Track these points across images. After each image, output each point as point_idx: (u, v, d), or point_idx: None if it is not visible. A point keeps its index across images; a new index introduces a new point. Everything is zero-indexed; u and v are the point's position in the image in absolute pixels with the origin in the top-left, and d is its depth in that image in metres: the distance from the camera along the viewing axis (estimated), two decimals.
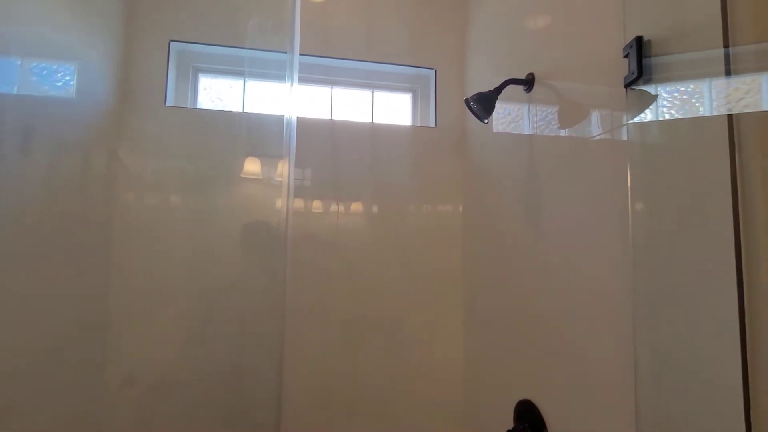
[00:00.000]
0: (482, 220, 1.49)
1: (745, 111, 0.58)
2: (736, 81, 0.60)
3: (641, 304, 0.72)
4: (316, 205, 1.53)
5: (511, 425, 1.13)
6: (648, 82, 0.72)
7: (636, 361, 0.73)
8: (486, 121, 1.14)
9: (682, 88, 0.67)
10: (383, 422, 1.49)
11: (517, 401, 1.16)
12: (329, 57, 1.59)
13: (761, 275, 0.55)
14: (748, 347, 0.56)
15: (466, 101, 1.12)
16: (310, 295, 1.47)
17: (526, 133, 1.18)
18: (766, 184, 0.55)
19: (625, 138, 0.80)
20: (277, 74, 1.49)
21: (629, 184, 0.76)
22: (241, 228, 1.45)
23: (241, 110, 1.57)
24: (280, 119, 1.41)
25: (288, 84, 1.40)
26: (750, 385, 0.55)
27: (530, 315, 1.15)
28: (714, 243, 0.60)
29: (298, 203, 1.51)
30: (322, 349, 1.47)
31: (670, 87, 0.69)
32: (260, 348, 1.38)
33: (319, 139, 1.54)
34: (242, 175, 1.48)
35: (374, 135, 1.60)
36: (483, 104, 1.09)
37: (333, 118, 1.61)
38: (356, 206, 1.56)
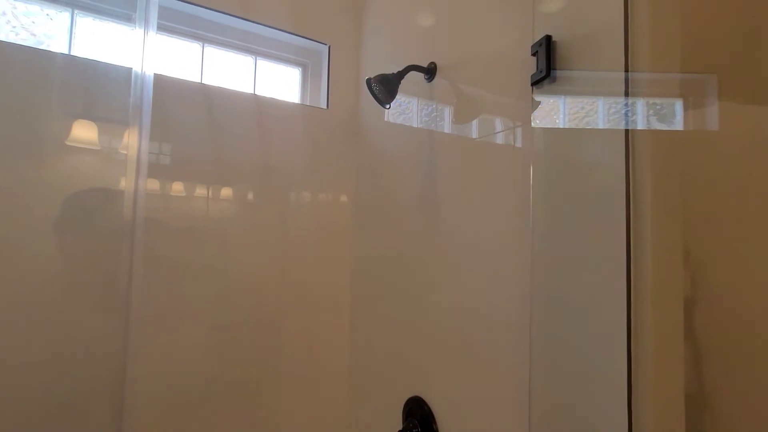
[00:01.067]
0: (374, 213, 1.42)
1: (638, 128, 0.61)
2: (631, 100, 0.63)
3: (537, 303, 0.74)
4: (178, 187, 1.24)
5: (400, 425, 1.10)
6: (553, 82, 0.73)
7: (531, 359, 0.74)
8: (388, 106, 1.06)
9: (583, 98, 0.68)
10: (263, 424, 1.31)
11: (406, 399, 1.13)
12: (196, 4, 1.29)
13: (647, 279, 0.59)
14: (632, 348, 0.59)
15: (368, 82, 1.02)
16: (167, 297, 1.19)
17: (424, 125, 1.14)
18: (655, 195, 0.59)
19: (527, 138, 0.80)
20: (125, 13, 1.14)
21: (531, 184, 0.76)
22: (63, 211, 1.08)
23: (66, 52, 1.16)
24: (126, 73, 1.08)
25: (140, 29, 1.08)
26: (632, 383, 0.59)
27: (421, 312, 1.12)
28: (607, 248, 0.62)
29: (153, 184, 1.19)
30: (182, 362, 1.21)
31: (575, 91, 0.70)
32: (92, 373, 1.05)
33: (185, 107, 1.24)
34: (68, 143, 1.10)
35: (256, 109, 1.37)
36: (386, 87, 1.00)
37: (204, 82, 1.32)
38: (228, 191, 1.32)
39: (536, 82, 0.74)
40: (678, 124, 0.64)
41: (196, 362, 1.24)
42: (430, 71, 1.09)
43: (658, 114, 0.63)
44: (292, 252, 1.40)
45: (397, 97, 1.09)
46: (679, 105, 0.64)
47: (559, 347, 0.70)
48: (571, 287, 0.67)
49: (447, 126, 1.06)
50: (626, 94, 0.62)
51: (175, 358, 1.20)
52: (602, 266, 0.63)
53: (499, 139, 0.90)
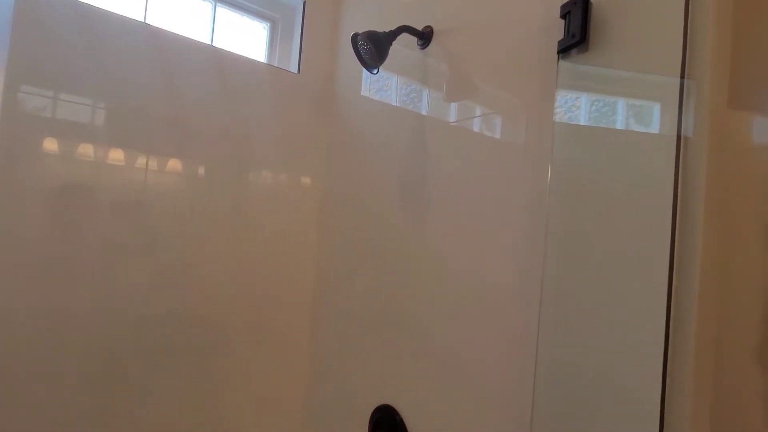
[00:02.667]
0: (345, 200, 1.26)
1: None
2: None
3: (547, 310, 0.63)
4: (116, 155, 1.01)
5: None
6: (586, 51, 0.61)
7: (536, 369, 0.63)
8: (375, 71, 0.90)
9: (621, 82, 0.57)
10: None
11: (374, 408, 1.01)
12: None
13: (691, 293, 0.49)
14: (668, 364, 0.50)
15: (354, 38, 0.85)
16: (94, 283, 0.97)
17: (411, 101, 1.00)
18: (708, 206, 0.49)
19: (545, 126, 0.68)
20: None
21: (548, 182, 0.65)
22: None
23: None
24: None
25: None
26: (666, 400, 0.49)
27: (396, 313, 0.99)
28: (643, 256, 0.52)
29: (86, 149, 0.96)
30: (103, 367, 1.00)
31: (614, 66, 0.59)
32: None
33: (126, 50, 1.00)
34: None
35: (215, 65, 1.15)
36: (375, 46, 0.84)
37: (148, 21, 1.08)
38: (175, 163, 1.10)
39: (564, 50, 0.62)
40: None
41: (125, 365, 1.03)
42: (425, 36, 0.94)
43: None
44: (248, 238, 1.21)
45: (385, 63, 0.94)
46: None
47: (570, 360, 0.59)
48: (595, 295, 0.57)
49: (440, 104, 0.92)
50: (681, 90, 0.51)
51: (97, 358, 0.99)
52: (635, 277, 0.53)
53: (505, 125, 0.77)
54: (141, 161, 1.04)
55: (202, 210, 1.14)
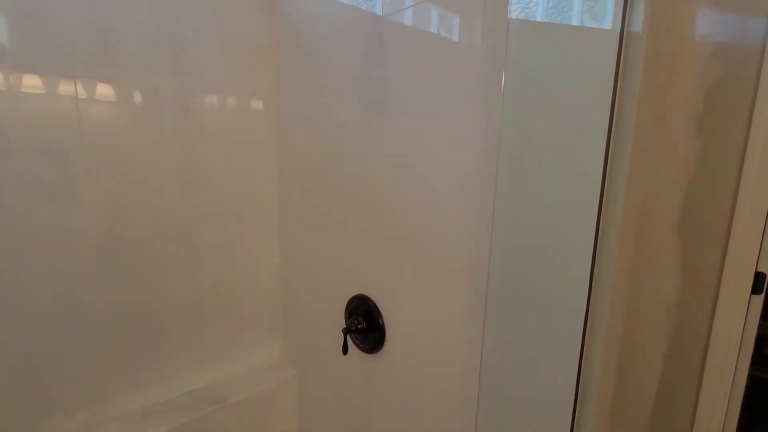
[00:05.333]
0: (301, 102, 1.22)
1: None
2: None
3: (501, 201, 0.72)
4: (33, 82, 0.87)
5: (343, 325, 1.11)
6: None
7: (491, 248, 0.74)
8: None
9: None
10: (180, 355, 1.23)
11: (348, 298, 1.13)
12: None
13: (621, 172, 0.58)
14: (600, 226, 0.60)
15: None
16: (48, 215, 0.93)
17: None
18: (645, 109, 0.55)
19: (504, 19, 0.68)
20: None
21: (503, 83, 0.67)
22: None
23: None
24: None
25: None
26: (596, 259, 0.61)
27: (362, 212, 1.06)
28: (583, 144, 0.59)
29: (31, 80, 0.83)
30: (79, 282, 1.01)
31: None
32: None
33: None
34: None
35: None
36: None
37: None
38: (105, 89, 0.99)
39: None
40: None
41: (98, 282, 1.04)
42: None
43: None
44: (200, 151, 1.17)
45: None
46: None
47: (522, 243, 0.70)
48: (541, 187, 0.65)
49: (396, 2, 0.86)
50: None
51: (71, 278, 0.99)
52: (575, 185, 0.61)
53: (463, 24, 0.76)
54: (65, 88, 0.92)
55: (149, 133, 1.06)
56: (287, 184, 1.34)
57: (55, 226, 0.96)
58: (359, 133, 1.02)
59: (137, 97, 1.04)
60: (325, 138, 1.15)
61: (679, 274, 0.72)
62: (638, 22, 0.53)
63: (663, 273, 0.71)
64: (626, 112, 0.55)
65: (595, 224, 0.58)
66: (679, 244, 0.71)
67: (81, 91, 0.95)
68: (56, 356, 1.01)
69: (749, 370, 0.76)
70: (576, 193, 0.59)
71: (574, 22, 0.58)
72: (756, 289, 0.71)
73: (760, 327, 0.75)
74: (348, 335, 1.08)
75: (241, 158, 1.26)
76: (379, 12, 0.91)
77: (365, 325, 1.06)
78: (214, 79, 1.16)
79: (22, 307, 0.94)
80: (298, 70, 1.20)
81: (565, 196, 0.61)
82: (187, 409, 1.18)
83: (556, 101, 0.61)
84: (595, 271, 0.59)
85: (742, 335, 0.72)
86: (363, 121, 1.01)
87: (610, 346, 0.60)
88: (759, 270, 0.70)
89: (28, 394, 0.99)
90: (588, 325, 0.58)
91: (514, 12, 0.65)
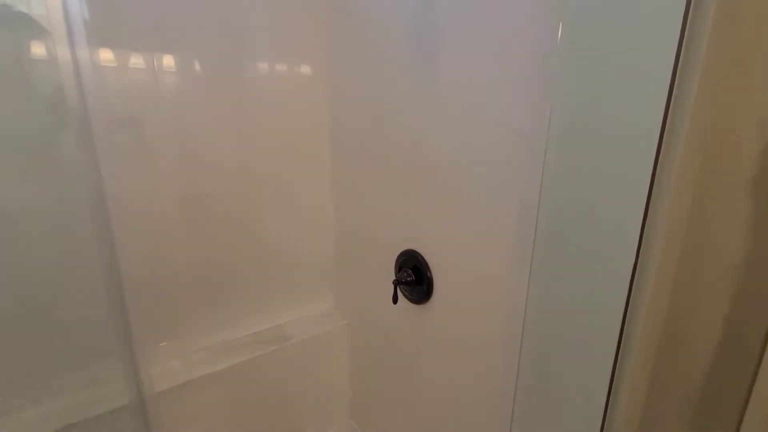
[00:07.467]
0: (354, 60, 1.24)
1: None
2: None
3: (552, 158, 0.70)
4: (134, 59, 1.02)
5: (393, 278, 1.18)
6: None
7: (540, 203, 0.73)
8: None
9: None
10: (248, 300, 1.39)
11: (398, 253, 1.19)
12: None
13: (683, 124, 0.54)
14: (657, 173, 0.57)
15: None
16: (132, 178, 1.08)
17: None
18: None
19: None
20: None
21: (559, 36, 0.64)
22: None
23: None
24: None
25: None
26: (650, 203, 0.59)
27: (413, 171, 1.08)
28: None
29: (106, 54, 0.96)
30: (163, 236, 1.17)
31: None
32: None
33: None
34: None
35: None
36: None
37: None
38: (169, 60, 1.08)
39: None
40: None
41: (177, 233, 1.20)
42: None
43: None
44: (259, 116, 1.25)
45: None
46: None
47: (572, 198, 0.69)
48: (596, 144, 0.63)
49: None
50: None
51: (156, 230, 1.16)
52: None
53: None
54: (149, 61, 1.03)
55: (211, 102, 1.15)
56: (339, 144, 1.39)
57: (140, 186, 1.10)
58: (411, 88, 1.03)
59: (197, 67, 1.12)
60: (376, 95, 1.16)
61: (752, 238, 0.67)
62: None
63: (731, 234, 0.66)
64: (695, 52, 0.51)
65: (649, 179, 0.55)
66: (753, 204, 0.65)
67: (152, 63, 1.04)
68: (148, 295, 1.19)
69: None
70: (630, 146, 0.57)
71: None
72: None
73: None
74: (398, 286, 1.15)
75: (294, 121, 1.33)
76: None
77: (414, 278, 1.12)
78: (266, 44, 1.22)
79: (121, 257, 1.11)
80: (348, 27, 1.21)
81: (618, 149, 0.59)
82: (257, 345, 1.35)
83: (615, 46, 0.57)
84: (646, 225, 0.57)
85: None
86: (415, 76, 1.01)
87: (658, 300, 0.59)
88: None
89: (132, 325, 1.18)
90: (635, 277, 0.58)
91: None
